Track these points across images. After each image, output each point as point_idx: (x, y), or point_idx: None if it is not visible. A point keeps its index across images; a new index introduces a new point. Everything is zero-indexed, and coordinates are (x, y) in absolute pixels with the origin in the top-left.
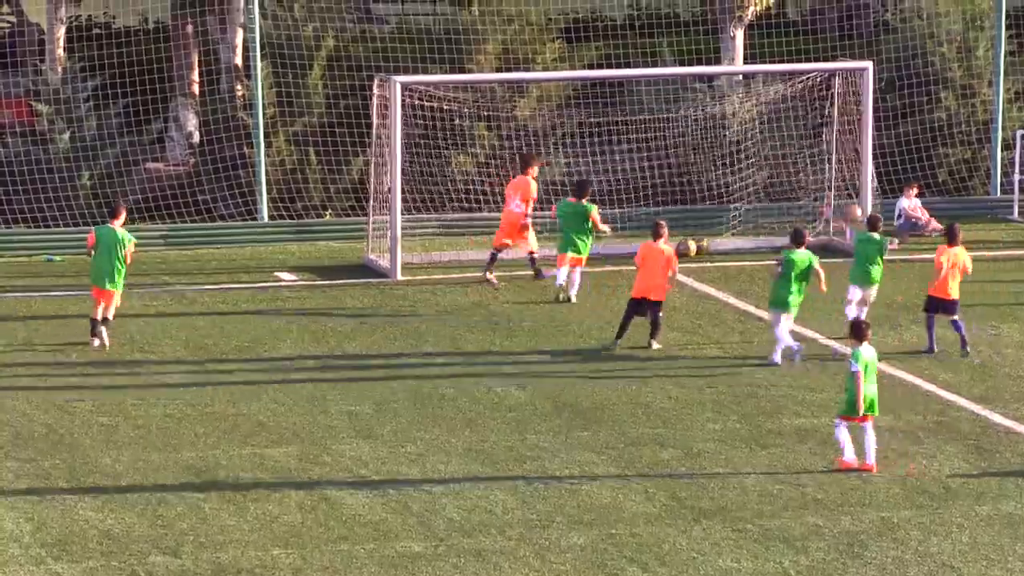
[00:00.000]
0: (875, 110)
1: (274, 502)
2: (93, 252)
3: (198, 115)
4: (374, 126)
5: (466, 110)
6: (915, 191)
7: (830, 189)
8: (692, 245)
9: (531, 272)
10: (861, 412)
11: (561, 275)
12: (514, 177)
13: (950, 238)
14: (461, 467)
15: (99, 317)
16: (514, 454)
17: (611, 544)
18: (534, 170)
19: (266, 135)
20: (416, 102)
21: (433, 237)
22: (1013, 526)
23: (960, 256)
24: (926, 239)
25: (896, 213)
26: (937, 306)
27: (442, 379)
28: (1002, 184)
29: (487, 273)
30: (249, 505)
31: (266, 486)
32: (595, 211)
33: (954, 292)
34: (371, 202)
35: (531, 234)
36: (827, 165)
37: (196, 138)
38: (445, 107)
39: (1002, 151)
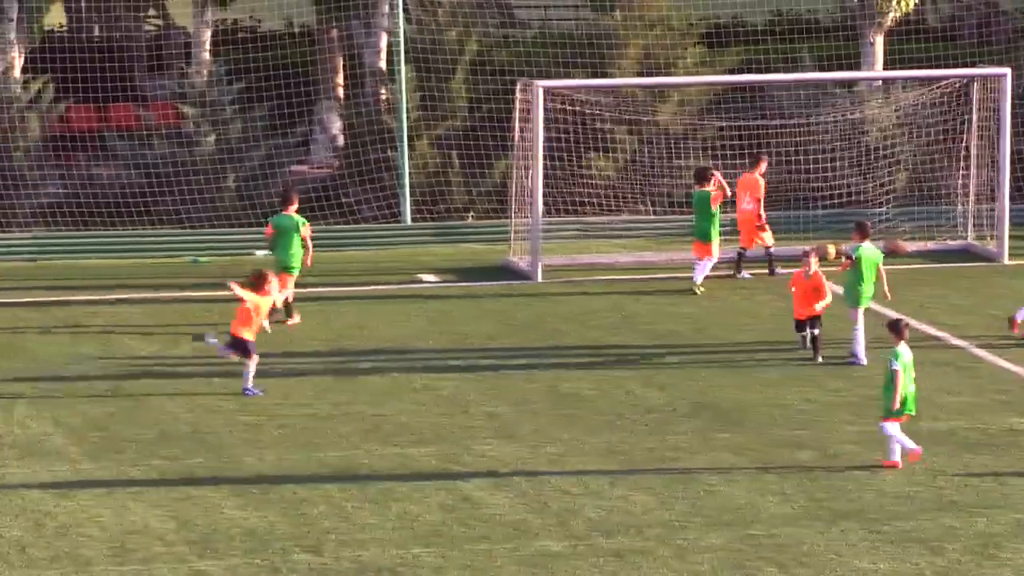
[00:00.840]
0: (1013, 116)
1: (415, 501)
2: (273, 242)
3: (342, 118)
4: (516, 130)
5: (607, 114)
6: None
7: (967, 194)
8: (831, 249)
9: (767, 270)
10: (898, 409)
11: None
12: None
13: None
14: (600, 467)
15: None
16: (653, 455)
17: (749, 544)
18: (762, 167)
19: (409, 138)
20: (558, 106)
21: (573, 240)
22: None
23: None
24: None
25: None
26: None
27: (582, 380)
28: None
29: (737, 273)
30: (391, 504)
31: (407, 486)
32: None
33: None
34: (513, 204)
35: (767, 231)
36: (965, 171)
37: (340, 141)
38: (587, 111)
39: None
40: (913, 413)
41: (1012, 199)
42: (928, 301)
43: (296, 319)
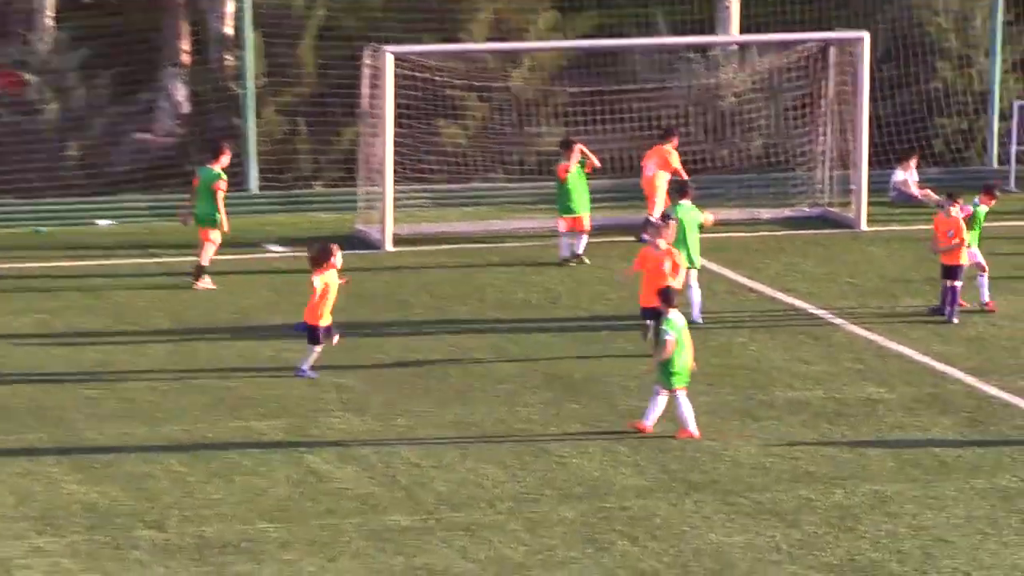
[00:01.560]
0: (871, 81)
1: (261, 476)
2: (194, 195)
3: (187, 85)
4: (365, 96)
5: (458, 80)
6: (913, 163)
7: (825, 160)
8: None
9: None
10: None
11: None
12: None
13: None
14: (450, 440)
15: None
16: (504, 427)
17: (601, 518)
18: (674, 141)
19: (256, 105)
20: (407, 72)
21: (424, 208)
22: (1008, 499)
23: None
24: (926, 209)
25: (890, 186)
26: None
27: (431, 352)
28: (999, 155)
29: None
30: (235, 479)
31: (253, 460)
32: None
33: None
34: (361, 172)
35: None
36: (822, 136)
37: (185, 108)
38: (437, 77)
39: (999, 122)
40: (687, 384)
41: (870, 165)
42: (784, 269)
43: (207, 283)
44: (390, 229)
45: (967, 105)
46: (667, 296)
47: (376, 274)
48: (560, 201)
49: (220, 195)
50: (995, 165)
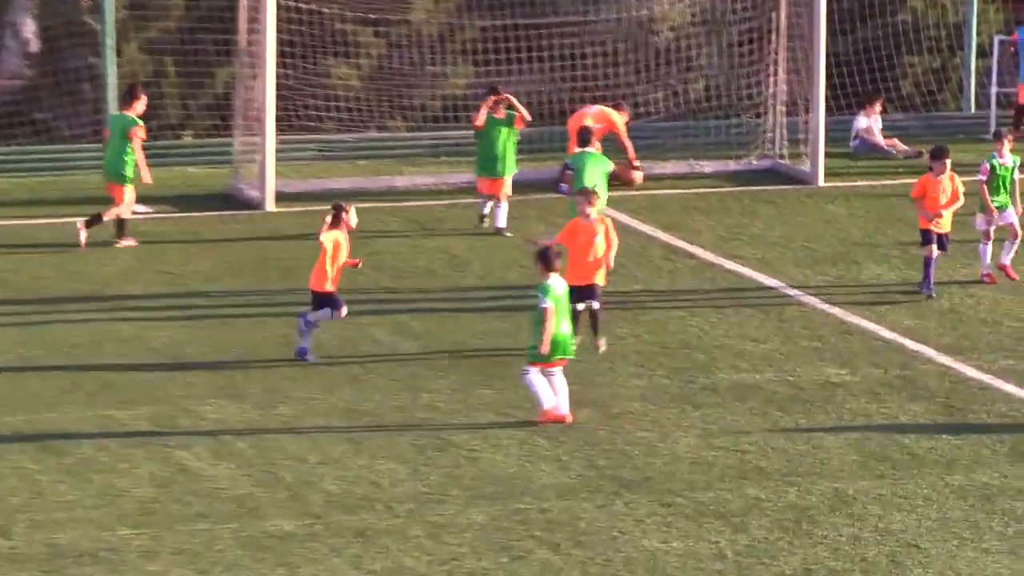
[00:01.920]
0: (828, 13)
1: (122, 474)
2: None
3: (37, 20)
4: (242, 32)
5: (349, 13)
6: (878, 108)
7: (775, 105)
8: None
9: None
10: (547, 353)
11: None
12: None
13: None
14: (342, 432)
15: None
16: (404, 416)
17: (517, 521)
18: (624, 112)
19: (116, 43)
20: (291, 3)
21: (310, 162)
22: (988, 498)
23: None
24: (893, 162)
25: (852, 134)
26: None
27: (320, 328)
28: (977, 98)
29: None
30: (92, 477)
31: (112, 455)
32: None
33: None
34: (238, 120)
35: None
36: (772, 77)
37: (34, 47)
38: (325, 10)
39: (977, 59)
40: (571, 357)
41: (828, 110)
42: (729, 231)
43: (129, 242)
44: (272, 186)
45: (940, 41)
46: (546, 258)
47: (256, 238)
48: (478, 158)
49: (137, 143)
50: (972, 110)
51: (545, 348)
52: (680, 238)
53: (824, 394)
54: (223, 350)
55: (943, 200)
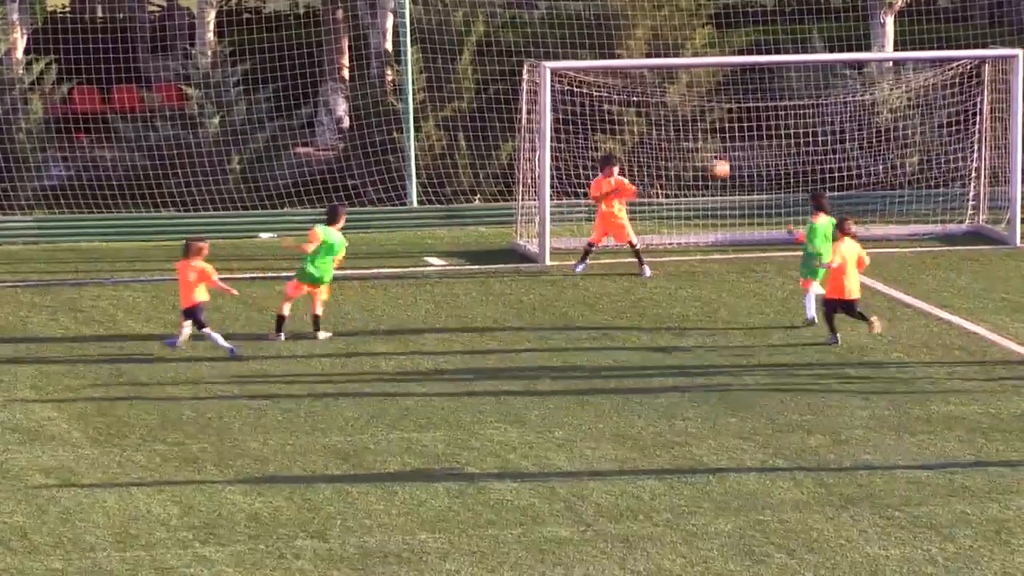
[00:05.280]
0: None
1: (422, 487)
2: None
3: (347, 100)
4: (523, 111)
5: (615, 96)
6: None
7: (979, 176)
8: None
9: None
10: None
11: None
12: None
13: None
14: (609, 452)
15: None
16: (662, 440)
17: (758, 531)
18: (612, 171)
19: (415, 120)
20: (565, 87)
21: (581, 223)
22: None
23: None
24: None
25: None
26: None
27: (590, 366)
28: None
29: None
30: (397, 490)
31: (414, 471)
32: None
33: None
34: (519, 187)
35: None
36: (976, 153)
37: (346, 123)
38: (594, 93)
39: None
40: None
41: None
42: (940, 285)
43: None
44: (547, 242)
45: None
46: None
47: (534, 287)
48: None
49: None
50: None
51: None
52: (899, 290)
53: (1021, 424)
54: (508, 383)
55: None
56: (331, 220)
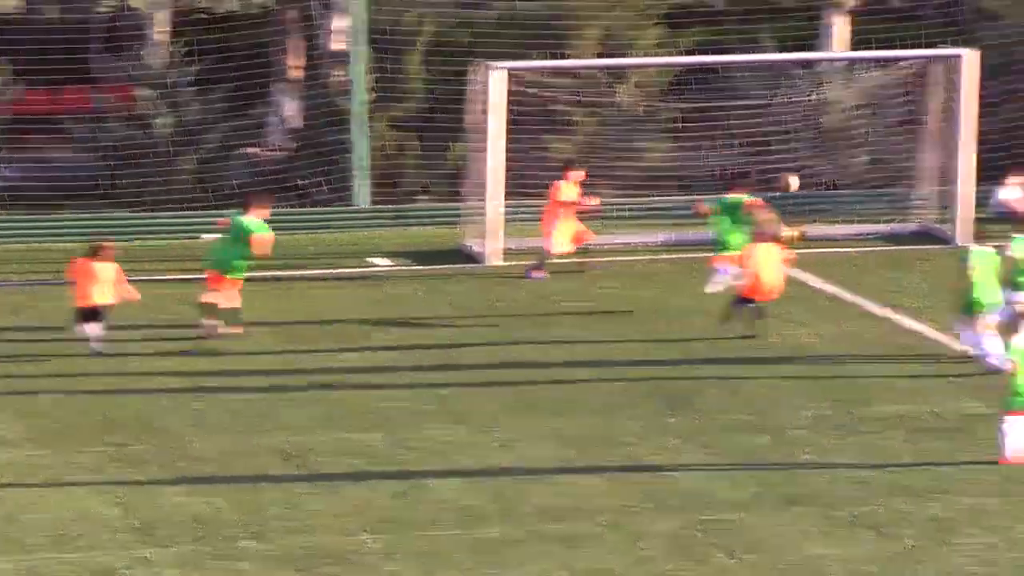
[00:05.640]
0: (980, 96)
1: (364, 487)
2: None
3: (299, 100)
4: (473, 112)
5: (566, 96)
6: (1022, 179)
7: (926, 176)
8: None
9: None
10: None
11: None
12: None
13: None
14: (551, 452)
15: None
16: (604, 440)
17: (699, 530)
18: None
19: (367, 120)
20: (516, 88)
21: (530, 223)
22: None
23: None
24: None
25: (993, 202)
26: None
27: (533, 365)
28: None
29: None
30: (339, 490)
31: (357, 471)
32: None
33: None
34: (468, 188)
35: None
36: (924, 153)
37: (296, 123)
38: (545, 93)
39: None
40: None
41: (980, 181)
42: (888, 284)
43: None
44: (496, 243)
45: None
46: None
47: (480, 288)
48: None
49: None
50: None
51: None
52: (845, 290)
53: (965, 424)
54: (450, 383)
55: None
56: (245, 208)
